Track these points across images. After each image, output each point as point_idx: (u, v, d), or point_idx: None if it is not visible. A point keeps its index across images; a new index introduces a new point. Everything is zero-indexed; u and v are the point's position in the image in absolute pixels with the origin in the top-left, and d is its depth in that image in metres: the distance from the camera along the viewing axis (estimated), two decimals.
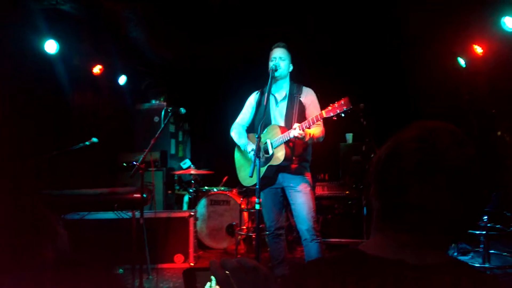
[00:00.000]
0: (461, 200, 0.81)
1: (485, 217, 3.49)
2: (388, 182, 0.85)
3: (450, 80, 5.35)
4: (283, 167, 3.15)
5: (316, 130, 3.08)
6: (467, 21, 4.44)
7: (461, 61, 5.21)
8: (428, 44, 4.97)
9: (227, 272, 0.74)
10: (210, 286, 0.79)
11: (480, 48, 4.74)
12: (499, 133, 5.33)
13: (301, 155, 3.20)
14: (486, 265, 3.55)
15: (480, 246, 3.68)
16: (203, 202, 5.10)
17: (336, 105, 2.80)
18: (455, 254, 3.97)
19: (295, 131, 2.89)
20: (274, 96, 3.32)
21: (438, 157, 0.81)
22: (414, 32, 4.85)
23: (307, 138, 2.96)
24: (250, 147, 3.27)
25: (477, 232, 3.55)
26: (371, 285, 0.81)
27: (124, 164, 5.69)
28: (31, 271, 1.00)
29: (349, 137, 5.74)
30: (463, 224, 0.85)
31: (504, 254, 4.04)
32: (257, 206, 2.66)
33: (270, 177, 3.20)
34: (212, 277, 0.78)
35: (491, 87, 4.98)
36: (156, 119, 6.22)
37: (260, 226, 2.84)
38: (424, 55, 5.17)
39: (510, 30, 4.15)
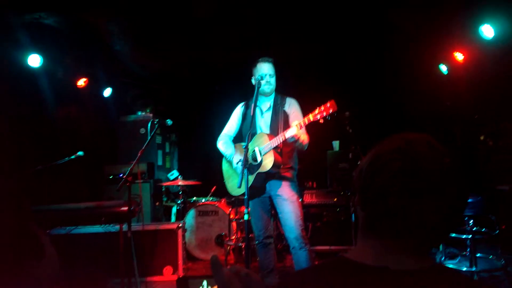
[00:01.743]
0: (440, 206, 0.85)
1: (471, 221, 3.54)
2: (370, 190, 0.89)
3: (433, 87, 5.46)
4: (271, 175, 3.16)
5: (304, 136, 3.10)
6: (448, 29, 4.56)
7: (443, 68, 5.32)
8: (411, 52, 5.08)
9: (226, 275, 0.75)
10: None
11: (461, 55, 4.85)
12: (482, 137, 5.45)
13: (288, 163, 3.23)
14: (473, 269, 3.60)
15: (467, 250, 3.72)
16: (191, 213, 5.07)
17: (322, 108, 2.83)
18: (443, 258, 4.01)
19: (293, 129, 2.89)
20: (260, 107, 3.37)
21: (416, 165, 0.85)
22: (397, 40, 4.96)
23: (300, 140, 2.96)
24: (237, 158, 3.29)
25: (464, 236, 3.60)
26: None
27: (110, 176, 5.63)
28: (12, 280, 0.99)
29: (336, 144, 5.79)
30: (442, 229, 0.88)
31: (490, 257, 4.10)
32: (245, 216, 2.66)
33: (259, 186, 3.21)
34: (203, 284, 0.79)
35: (472, 93, 5.10)
36: (142, 130, 6.19)
37: (250, 235, 2.83)
38: (407, 63, 5.28)
39: (488, 38, 4.27)
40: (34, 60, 4.53)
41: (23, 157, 3.94)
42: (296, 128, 2.89)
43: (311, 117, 2.87)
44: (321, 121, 2.84)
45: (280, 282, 0.95)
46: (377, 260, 0.87)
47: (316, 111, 2.86)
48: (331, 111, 2.78)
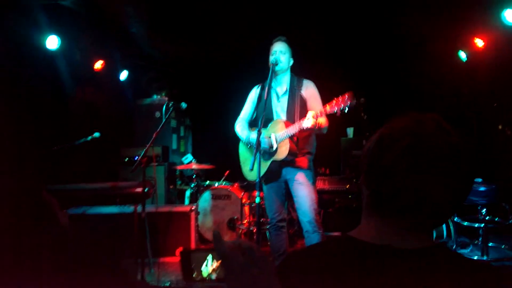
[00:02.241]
0: (445, 185, 0.85)
1: (484, 210, 3.51)
2: (377, 169, 0.89)
3: (451, 74, 5.35)
4: (286, 162, 3.17)
5: (322, 120, 3.08)
6: (468, 15, 4.44)
7: (462, 55, 5.20)
8: (429, 38, 4.97)
9: (226, 253, 0.78)
10: (206, 265, 0.83)
11: (482, 41, 4.73)
12: (500, 126, 5.34)
13: (305, 148, 3.22)
14: (485, 258, 3.58)
15: (479, 239, 3.70)
16: (204, 197, 5.13)
17: (340, 99, 2.79)
18: (454, 247, 3.99)
19: (309, 121, 2.88)
20: (276, 91, 3.33)
21: (423, 143, 0.85)
22: (415, 26, 4.84)
23: (316, 127, 2.96)
24: (254, 135, 3.27)
25: (476, 225, 3.57)
26: (359, 269, 0.85)
27: (126, 159, 5.73)
28: (29, 254, 1.01)
29: (350, 131, 5.76)
30: (447, 208, 0.89)
31: (502, 247, 4.06)
32: (257, 200, 2.68)
33: (274, 171, 3.22)
34: (208, 257, 0.82)
35: (492, 80, 4.98)
36: (157, 114, 6.25)
37: (261, 220, 2.86)
38: (425, 49, 5.17)
39: (511, 24, 4.14)
40: (52, 42, 4.58)
41: (40, 137, 4.02)
42: (312, 119, 2.87)
43: (328, 108, 2.84)
44: (338, 113, 2.80)
45: (285, 258, 0.97)
46: (380, 238, 0.89)
47: (334, 102, 2.81)
48: (349, 103, 2.74)
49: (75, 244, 1.14)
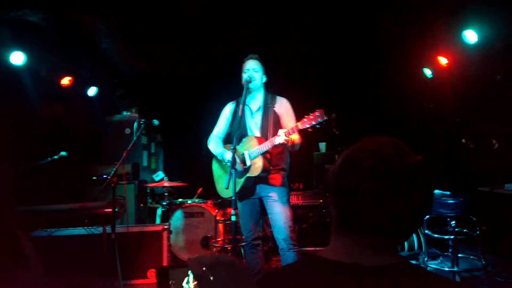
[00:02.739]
0: (406, 203, 0.90)
1: (453, 222, 3.61)
2: (342, 188, 0.94)
3: (417, 89, 5.54)
4: (260, 178, 3.16)
5: (295, 137, 3.11)
6: (432, 33, 4.64)
7: (427, 72, 5.41)
8: (396, 56, 5.15)
9: (204, 268, 0.77)
10: (188, 282, 0.81)
11: (445, 59, 4.94)
12: (463, 140, 5.55)
13: (279, 164, 3.23)
14: (455, 269, 3.66)
15: (449, 250, 3.79)
16: (177, 215, 5.03)
17: (311, 116, 2.82)
18: (426, 259, 4.07)
19: (280, 137, 2.90)
20: (249, 107, 3.34)
21: (384, 165, 0.91)
22: (383, 43, 5.02)
23: (290, 143, 2.99)
24: (228, 155, 3.26)
25: (446, 237, 3.66)
26: None
27: (94, 177, 5.56)
28: None
29: (323, 146, 5.83)
30: (409, 225, 0.94)
31: (471, 257, 4.18)
32: (233, 218, 2.65)
33: (249, 188, 3.20)
34: (189, 273, 0.80)
35: (456, 96, 5.20)
36: (127, 131, 6.12)
37: (236, 237, 2.82)
38: (392, 65, 5.35)
39: (471, 43, 4.36)
40: (17, 58, 4.43)
41: (4, 157, 3.84)
42: (284, 136, 2.90)
43: (299, 125, 2.86)
44: (310, 129, 2.84)
45: (262, 279, 0.97)
46: (348, 257, 0.92)
47: (305, 119, 2.85)
48: (319, 120, 2.78)
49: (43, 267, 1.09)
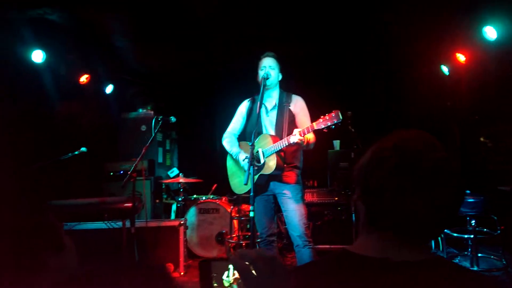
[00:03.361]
0: (435, 201, 0.88)
1: (473, 221, 3.57)
2: (370, 186, 0.93)
3: (434, 87, 5.48)
4: (274, 176, 3.18)
5: (310, 136, 3.12)
6: (450, 30, 4.58)
7: (445, 69, 5.34)
8: (413, 52, 5.10)
9: (247, 262, 0.79)
10: (228, 276, 0.84)
11: (463, 56, 4.87)
12: (482, 138, 5.48)
13: (292, 163, 3.23)
14: (474, 268, 3.62)
15: (468, 249, 3.75)
16: (192, 211, 5.07)
17: (327, 117, 2.83)
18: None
19: (295, 137, 2.91)
20: (265, 105, 3.36)
21: (411, 162, 0.89)
22: (400, 40, 4.97)
23: (304, 143, 3.00)
24: (243, 155, 3.28)
25: (466, 236, 3.62)
26: (361, 283, 0.87)
27: (111, 173, 5.64)
28: (30, 273, 0.99)
29: (337, 144, 5.81)
30: (438, 223, 0.93)
31: (491, 257, 4.13)
32: (251, 214, 2.67)
33: (262, 184, 3.22)
34: (229, 267, 0.83)
35: (473, 94, 5.12)
36: (143, 128, 6.19)
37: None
38: (409, 63, 5.30)
39: (491, 40, 4.29)
40: (38, 56, 4.52)
41: (25, 153, 3.93)
42: (298, 136, 2.90)
43: (314, 125, 2.88)
44: (325, 130, 2.85)
45: (294, 275, 0.98)
46: (378, 252, 0.91)
47: (320, 119, 2.86)
48: (335, 121, 2.79)
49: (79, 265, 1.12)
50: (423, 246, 0.93)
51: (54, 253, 1.08)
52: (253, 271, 0.79)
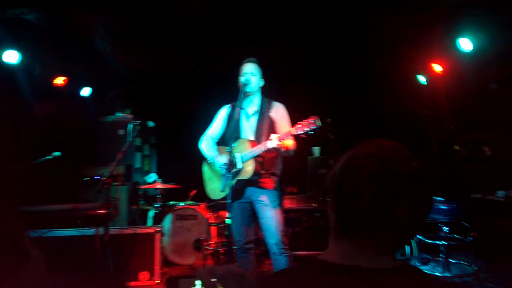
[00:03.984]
0: (407, 208, 0.89)
1: (446, 228, 3.64)
2: (343, 192, 0.93)
3: (412, 95, 5.59)
4: (251, 181, 3.16)
5: (289, 142, 3.12)
6: (426, 41, 4.68)
7: (422, 79, 5.46)
8: (391, 62, 5.19)
9: (214, 279, 0.78)
10: None
11: (440, 66, 4.99)
12: (456, 147, 5.61)
13: (270, 169, 3.22)
14: (446, 274, 3.69)
15: (440, 255, 3.82)
16: (169, 217, 5.00)
17: (305, 123, 2.83)
18: (417, 264, 4.10)
19: (273, 142, 2.90)
20: (245, 111, 3.34)
21: (386, 169, 0.90)
22: (378, 49, 5.05)
23: (283, 149, 2.99)
24: (220, 159, 3.25)
25: (438, 242, 3.69)
26: None
27: (87, 178, 5.51)
28: None
29: (316, 150, 5.85)
30: (409, 230, 0.94)
31: (462, 263, 4.22)
32: (228, 221, 2.65)
33: (239, 190, 3.19)
34: (196, 283, 0.80)
35: (450, 103, 5.25)
36: (121, 132, 6.08)
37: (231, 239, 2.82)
38: (387, 72, 5.39)
39: (467, 51, 4.40)
40: (12, 56, 4.40)
41: (5, 157, 3.80)
42: (276, 141, 2.90)
43: (293, 131, 2.88)
44: (304, 136, 2.85)
45: (262, 282, 0.96)
46: (348, 260, 0.92)
47: (299, 125, 2.86)
48: (313, 127, 2.79)
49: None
50: (391, 253, 0.94)
51: (18, 263, 1.04)
52: (221, 287, 0.77)
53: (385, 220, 0.89)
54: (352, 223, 0.92)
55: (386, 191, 0.88)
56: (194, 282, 0.80)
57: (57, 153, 3.73)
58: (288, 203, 4.95)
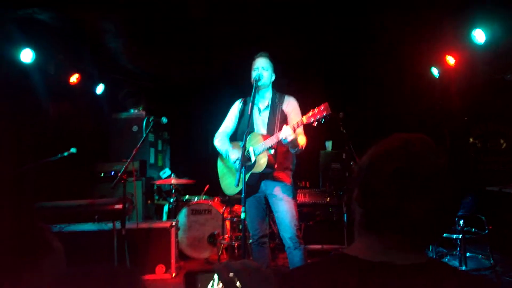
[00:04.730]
0: (436, 204, 0.88)
1: (461, 221, 3.61)
2: (370, 188, 0.92)
3: (424, 89, 5.53)
4: (265, 175, 3.17)
5: (301, 139, 3.11)
6: (440, 32, 4.62)
7: (435, 71, 5.40)
8: (404, 55, 5.14)
9: (231, 274, 0.78)
10: (212, 285, 0.82)
11: (453, 58, 4.92)
12: (471, 139, 5.55)
13: (283, 163, 3.23)
14: (463, 268, 3.67)
15: (457, 249, 3.79)
16: (184, 212, 5.06)
17: (316, 110, 2.83)
18: (433, 257, 4.08)
19: (285, 132, 2.87)
20: (258, 105, 3.35)
21: (413, 166, 0.88)
22: (391, 43, 5.01)
23: (294, 139, 2.96)
24: (234, 155, 3.27)
25: (454, 236, 3.67)
26: (362, 286, 0.86)
27: (102, 174, 5.59)
28: (19, 275, 0.98)
29: (329, 144, 5.83)
30: (439, 227, 0.92)
31: (479, 256, 4.18)
32: (242, 215, 2.67)
33: (253, 185, 3.20)
34: (214, 277, 0.81)
35: (463, 96, 5.18)
36: (135, 128, 6.15)
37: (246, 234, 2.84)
38: (400, 65, 5.34)
39: (480, 43, 4.34)
40: (27, 56, 4.47)
41: (14, 155, 3.88)
42: (289, 129, 2.89)
43: (304, 119, 2.87)
44: (314, 124, 2.83)
45: (285, 277, 0.96)
46: (378, 255, 0.90)
47: (310, 113, 2.85)
48: (324, 114, 2.77)
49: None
50: (420, 249, 0.92)
51: (42, 255, 1.07)
52: (238, 283, 0.78)
53: (412, 218, 0.87)
54: (379, 219, 0.91)
55: (412, 189, 0.87)
56: (212, 277, 0.81)
57: (73, 150, 3.78)
58: (301, 198, 4.96)
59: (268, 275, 0.82)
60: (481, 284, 0.91)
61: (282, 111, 3.27)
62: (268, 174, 3.16)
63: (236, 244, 4.55)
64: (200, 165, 6.35)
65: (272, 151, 3.13)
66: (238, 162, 2.97)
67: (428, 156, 0.90)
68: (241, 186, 2.81)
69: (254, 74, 3.25)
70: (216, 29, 5.07)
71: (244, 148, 2.79)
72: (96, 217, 3.47)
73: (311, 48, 5.62)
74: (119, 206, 3.39)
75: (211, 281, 0.82)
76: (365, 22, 4.89)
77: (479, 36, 4.34)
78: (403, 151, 0.91)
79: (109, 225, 3.59)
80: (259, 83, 3.20)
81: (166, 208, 5.60)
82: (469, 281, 0.90)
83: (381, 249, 0.91)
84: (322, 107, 2.79)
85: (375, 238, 0.93)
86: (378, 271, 0.87)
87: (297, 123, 2.91)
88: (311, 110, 2.85)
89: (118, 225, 3.42)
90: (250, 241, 3.36)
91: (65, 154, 3.76)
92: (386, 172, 0.89)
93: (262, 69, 3.25)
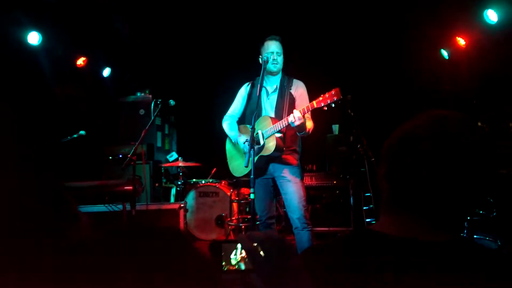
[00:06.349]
0: (469, 184, 0.86)
1: None
2: (400, 166, 0.90)
3: (433, 71, 5.47)
4: (273, 158, 3.18)
5: (308, 123, 3.12)
6: (450, 14, 4.54)
7: (445, 53, 5.32)
8: (413, 36, 5.06)
9: (255, 244, 0.79)
10: (235, 254, 0.84)
11: (463, 40, 4.85)
12: (479, 123, 5.49)
13: (292, 146, 3.24)
14: None
15: (464, 231, 3.80)
16: (191, 194, 5.10)
17: (326, 95, 2.83)
18: None
19: (294, 115, 2.88)
20: (265, 88, 3.34)
21: (447, 144, 0.86)
22: (400, 24, 4.93)
23: (302, 123, 2.97)
24: (242, 138, 3.28)
25: None
26: (387, 262, 0.86)
27: (110, 157, 5.64)
28: (58, 254, 1.00)
29: (336, 128, 5.81)
30: (470, 205, 0.91)
31: (487, 239, 4.19)
32: (251, 196, 2.69)
33: (261, 167, 3.22)
34: (238, 246, 0.83)
35: (472, 78, 5.12)
36: (142, 111, 6.16)
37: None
38: (409, 46, 5.27)
39: (492, 23, 4.26)
40: (34, 38, 4.46)
41: (25, 135, 3.91)
42: (299, 113, 2.89)
43: (314, 103, 2.88)
44: (325, 108, 2.84)
45: (305, 253, 0.96)
46: (405, 231, 0.89)
47: (320, 98, 2.85)
48: (335, 98, 2.78)
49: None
50: (449, 227, 0.90)
51: (71, 221, 1.08)
52: (261, 252, 0.79)
53: (444, 196, 0.86)
54: (408, 197, 0.89)
55: (446, 168, 0.84)
56: (235, 246, 0.83)
57: (82, 132, 3.81)
58: (308, 181, 4.96)
59: (291, 246, 0.83)
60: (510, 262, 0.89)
61: (291, 95, 3.27)
62: (276, 157, 3.17)
63: (243, 226, 4.60)
64: (207, 148, 6.37)
65: (281, 134, 3.14)
66: (247, 144, 2.98)
67: (463, 135, 0.87)
68: (249, 167, 2.83)
69: (268, 58, 3.21)
70: (223, 10, 5.02)
71: (253, 129, 2.79)
72: (107, 198, 3.52)
73: (319, 29, 5.56)
74: (129, 188, 3.43)
75: (234, 250, 0.84)
76: (375, 4, 4.82)
77: (491, 16, 4.26)
78: (437, 129, 0.88)
79: (120, 206, 3.64)
80: (274, 69, 3.20)
81: (173, 191, 5.66)
82: (498, 258, 0.89)
83: (407, 226, 0.90)
84: (333, 92, 2.80)
85: (401, 215, 0.91)
86: (405, 247, 0.87)
87: (307, 107, 2.92)
88: (322, 95, 2.85)
89: (128, 206, 3.47)
90: (257, 222, 3.40)
91: (75, 136, 3.79)
92: (419, 150, 0.87)
93: (277, 55, 3.22)
